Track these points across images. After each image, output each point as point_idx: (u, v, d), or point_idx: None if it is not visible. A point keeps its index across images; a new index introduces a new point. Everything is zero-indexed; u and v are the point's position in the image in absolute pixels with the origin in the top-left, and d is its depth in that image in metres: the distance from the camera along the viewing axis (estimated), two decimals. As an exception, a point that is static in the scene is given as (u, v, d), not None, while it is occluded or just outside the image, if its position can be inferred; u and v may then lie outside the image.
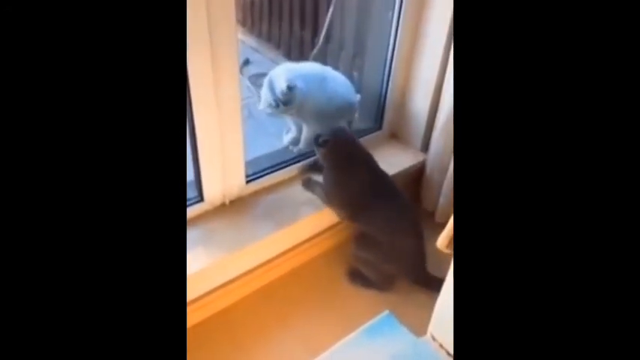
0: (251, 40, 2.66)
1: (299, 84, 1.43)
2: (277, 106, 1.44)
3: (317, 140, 1.31)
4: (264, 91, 1.47)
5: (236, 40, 1.06)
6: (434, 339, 0.97)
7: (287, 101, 1.43)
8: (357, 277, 1.43)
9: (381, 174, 1.35)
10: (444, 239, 0.90)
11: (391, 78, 1.51)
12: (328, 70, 1.55)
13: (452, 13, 1.31)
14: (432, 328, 0.98)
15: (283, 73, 1.45)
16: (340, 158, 1.31)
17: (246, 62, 2.46)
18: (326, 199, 1.35)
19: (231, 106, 1.15)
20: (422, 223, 1.38)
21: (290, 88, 1.41)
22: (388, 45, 1.47)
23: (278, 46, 2.57)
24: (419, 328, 1.00)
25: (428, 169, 1.55)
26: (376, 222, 1.33)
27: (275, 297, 1.39)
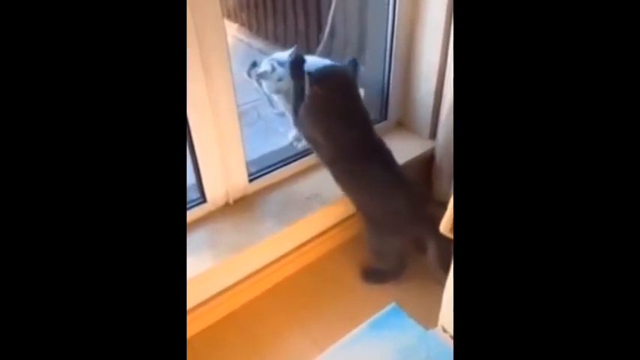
0: (258, 43, 2.65)
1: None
2: (273, 70, 1.41)
3: (311, 76, 1.07)
4: (264, 63, 1.46)
5: (224, 33, 1.04)
6: (444, 330, 0.92)
7: (287, 65, 1.36)
8: (370, 275, 1.39)
9: (377, 139, 1.25)
10: (446, 223, 0.87)
11: (392, 66, 1.46)
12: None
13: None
14: (442, 319, 0.94)
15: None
16: (333, 104, 1.14)
17: (254, 64, 2.45)
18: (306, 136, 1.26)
19: (226, 103, 1.13)
20: (416, 188, 1.30)
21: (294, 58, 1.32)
22: (387, 32, 1.42)
23: (284, 47, 2.55)
24: (431, 320, 0.95)
25: (437, 157, 1.49)
26: (363, 182, 1.24)
27: (284, 296, 1.36)
